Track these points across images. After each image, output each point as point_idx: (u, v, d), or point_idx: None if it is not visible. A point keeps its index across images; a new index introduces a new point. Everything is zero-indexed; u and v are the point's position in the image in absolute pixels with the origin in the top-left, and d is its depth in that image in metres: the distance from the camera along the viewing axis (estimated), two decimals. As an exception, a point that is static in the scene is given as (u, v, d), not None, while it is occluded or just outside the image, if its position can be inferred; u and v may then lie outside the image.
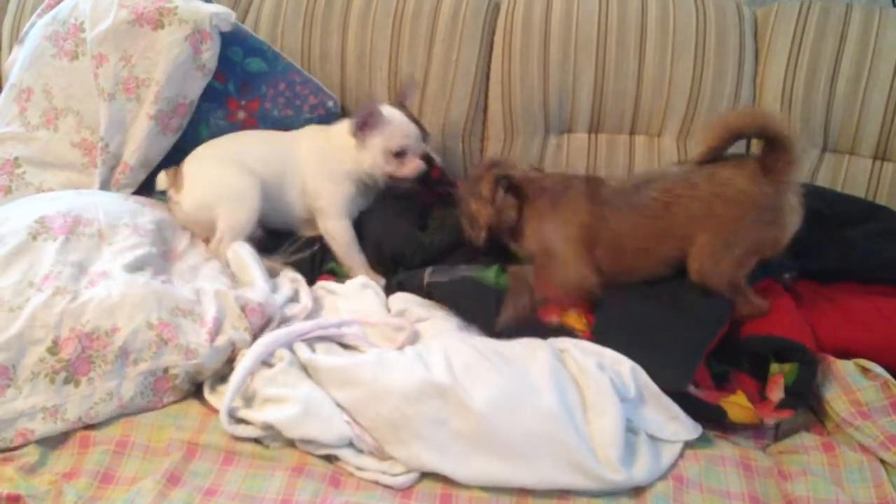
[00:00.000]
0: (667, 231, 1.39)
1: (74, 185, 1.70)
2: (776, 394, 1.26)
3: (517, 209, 1.51)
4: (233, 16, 1.71)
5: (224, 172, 1.61)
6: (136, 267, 1.35)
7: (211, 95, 1.74)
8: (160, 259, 1.45)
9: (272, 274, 1.54)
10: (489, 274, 1.50)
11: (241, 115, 1.79)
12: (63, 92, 1.72)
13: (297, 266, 1.60)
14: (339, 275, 1.61)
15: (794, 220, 1.37)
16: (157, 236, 1.48)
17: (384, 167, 1.62)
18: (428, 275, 1.48)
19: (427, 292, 1.46)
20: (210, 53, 1.67)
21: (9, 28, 1.99)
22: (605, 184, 1.48)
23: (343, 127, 1.66)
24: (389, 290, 1.52)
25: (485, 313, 1.40)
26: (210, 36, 1.66)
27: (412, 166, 1.64)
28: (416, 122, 1.67)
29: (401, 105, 1.68)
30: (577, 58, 1.80)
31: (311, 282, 1.55)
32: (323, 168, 1.65)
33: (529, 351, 1.29)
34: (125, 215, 1.48)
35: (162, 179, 1.65)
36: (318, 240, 1.67)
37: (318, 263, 1.64)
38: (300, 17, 1.89)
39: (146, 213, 1.55)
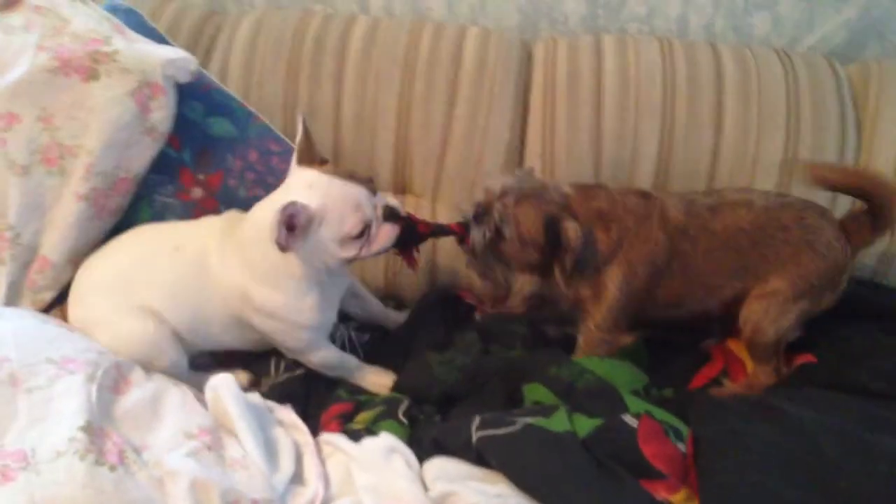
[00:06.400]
0: (746, 269, 1.29)
1: (-29, 289, 1.30)
2: None
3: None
4: (193, 63, 1.35)
5: (118, 328, 1.21)
6: (68, 436, 0.94)
7: (159, 164, 1.37)
8: (108, 393, 1.05)
9: (244, 386, 1.23)
10: (558, 418, 1.11)
11: (198, 192, 1.41)
12: (-44, 163, 1.31)
13: (288, 388, 1.29)
14: (355, 404, 1.26)
15: (843, 288, 1.31)
16: (97, 366, 1.07)
17: (345, 255, 1.21)
18: (476, 428, 1.09)
19: (477, 453, 1.07)
20: (162, 113, 1.33)
21: None
22: (668, 205, 1.30)
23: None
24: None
25: (569, 481, 1.02)
26: (163, 90, 1.31)
27: (384, 236, 1.23)
28: (350, 175, 1.22)
29: (313, 160, 1.24)
30: (639, 126, 1.45)
31: (306, 409, 1.24)
32: (268, 285, 1.22)
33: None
34: (46, 346, 1.09)
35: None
36: None
37: (313, 382, 1.32)
38: (282, 61, 1.51)
39: (75, 337, 1.15)
